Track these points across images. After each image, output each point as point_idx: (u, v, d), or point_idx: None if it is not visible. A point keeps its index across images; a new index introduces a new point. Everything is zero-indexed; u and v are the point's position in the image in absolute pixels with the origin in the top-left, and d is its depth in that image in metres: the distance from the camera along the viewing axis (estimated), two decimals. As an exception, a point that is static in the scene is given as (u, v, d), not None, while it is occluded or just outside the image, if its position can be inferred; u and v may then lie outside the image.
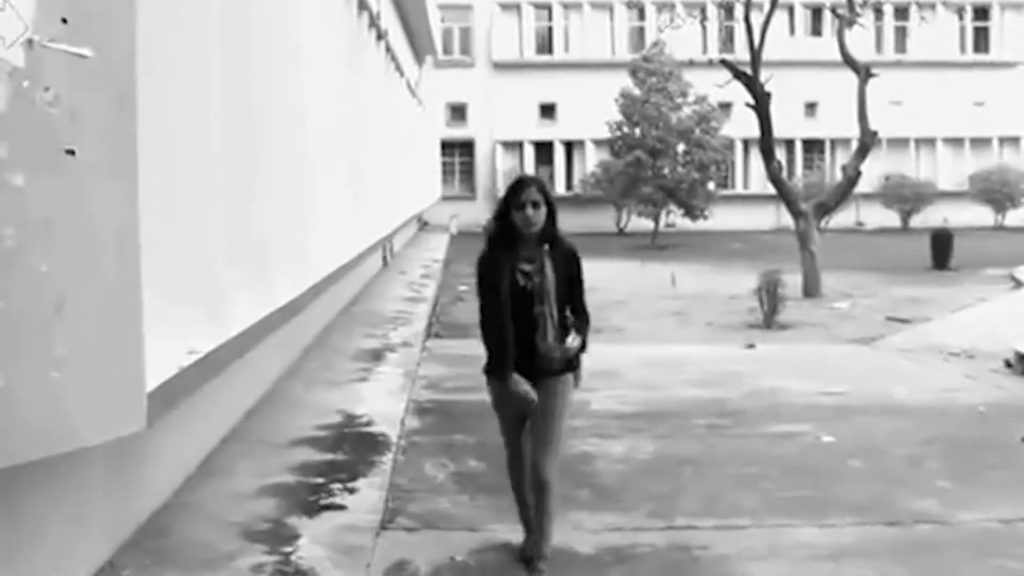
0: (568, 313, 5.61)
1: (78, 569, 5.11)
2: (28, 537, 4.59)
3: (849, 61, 22.52)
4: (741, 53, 25.74)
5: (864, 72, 22.17)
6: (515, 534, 6.14)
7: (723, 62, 22.97)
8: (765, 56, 22.05)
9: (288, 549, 5.74)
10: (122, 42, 4.02)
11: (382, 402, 9.35)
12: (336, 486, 6.90)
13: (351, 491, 6.82)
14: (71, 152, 3.69)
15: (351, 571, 5.54)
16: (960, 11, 47.84)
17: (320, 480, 7.01)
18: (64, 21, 3.62)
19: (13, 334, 3.51)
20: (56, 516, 4.89)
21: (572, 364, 5.67)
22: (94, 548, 5.36)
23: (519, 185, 5.51)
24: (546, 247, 5.53)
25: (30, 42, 3.47)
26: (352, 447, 7.84)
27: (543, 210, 5.45)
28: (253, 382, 8.95)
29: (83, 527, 5.24)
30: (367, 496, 6.75)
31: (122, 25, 4.04)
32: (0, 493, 4.24)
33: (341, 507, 6.52)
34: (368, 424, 8.57)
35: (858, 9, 23.59)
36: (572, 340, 5.52)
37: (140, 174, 4.15)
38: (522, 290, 5.45)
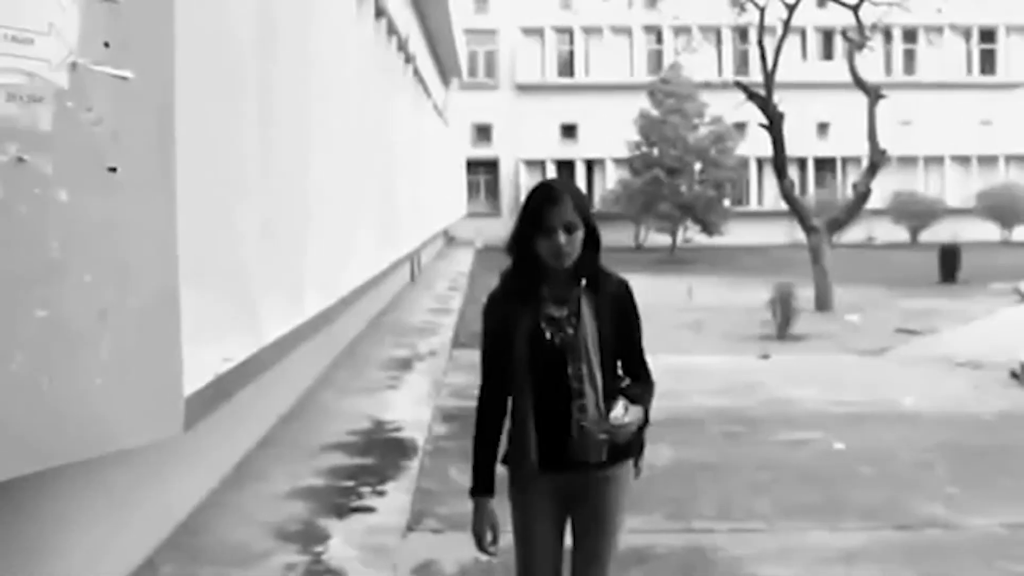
0: (621, 374, 3.85)
1: (119, 564, 5.31)
2: (71, 533, 4.78)
3: (859, 83, 22.68)
4: (755, 75, 25.89)
5: (874, 93, 22.35)
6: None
7: (738, 84, 23.18)
8: (778, 78, 22.23)
9: (319, 549, 5.92)
10: (162, 65, 4.06)
11: (410, 409, 9.58)
12: (365, 489, 7.09)
13: (380, 494, 7.01)
14: (113, 169, 3.73)
15: (380, 571, 5.70)
16: (967, 34, 48.01)
17: (350, 483, 7.21)
18: (106, 45, 3.66)
19: (58, 341, 3.55)
20: (98, 513, 5.09)
21: (627, 450, 3.76)
22: (135, 545, 5.55)
23: (545, 197, 3.66)
24: (583, 283, 3.72)
25: (74, 65, 3.52)
26: (381, 452, 8.05)
27: (580, 234, 3.64)
28: (286, 390, 9.17)
29: (124, 525, 5.43)
30: (395, 499, 6.94)
31: (162, 49, 4.08)
32: (44, 491, 4.42)
33: (370, 509, 6.70)
34: (396, 430, 8.78)
35: (868, 33, 23.72)
36: (622, 412, 3.57)
37: (179, 190, 4.19)
38: (551, 346, 3.67)
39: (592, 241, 3.70)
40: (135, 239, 3.92)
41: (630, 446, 3.73)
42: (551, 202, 3.62)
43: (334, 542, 6.06)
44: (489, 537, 3.88)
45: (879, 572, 6.05)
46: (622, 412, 3.57)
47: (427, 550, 6.24)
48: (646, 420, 3.76)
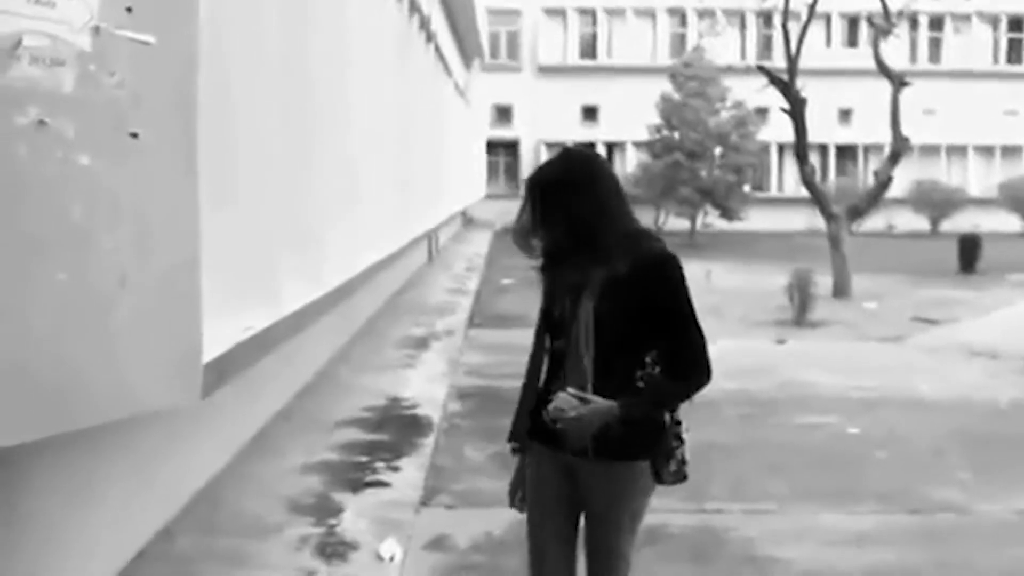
0: (651, 360, 3.48)
1: (137, 532, 5.37)
2: (91, 501, 4.84)
3: (884, 69, 22.56)
4: (779, 61, 25.77)
5: (898, 80, 22.23)
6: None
7: (760, 68, 23.06)
8: (802, 65, 22.10)
9: (333, 522, 5.97)
10: (184, 30, 4.06)
11: (425, 387, 9.60)
12: (380, 464, 7.13)
13: (394, 469, 7.04)
14: (135, 135, 3.74)
15: (393, 544, 5.70)
16: (994, 22, 47.59)
17: (365, 458, 7.25)
18: (128, 10, 3.66)
19: (79, 305, 3.58)
20: (117, 482, 5.14)
21: (627, 449, 3.47)
22: (152, 514, 5.61)
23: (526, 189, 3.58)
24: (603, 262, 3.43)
25: (96, 28, 3.53)
26: (396, 428, 8.09)
27: (561, 227, 3.47)
28: (304, 365, 9.22)
29: (142, 494, 5.48)
30: (409, 475, 6.98)
31: (185, 14, 4.09)
32: (65, 459, 4.46)
33: (385, 484, 6.74)
34: (412, 407, 8.82)
35: (894, 19, 23.60)
36: (563, 403, 3.36)
37: (201, 160, 4.20)
38: (557, 323, 3.56)
39: (572, 222, 3.44)
40: (156, 204, 3.94)
41: (629, 445, 3.45)
42: (527, 198, 3.53)
43: (348, 515, 6.10)
44: (519, 494, 3.77)
45: (891, 555, 6.05)
46: (562, 403, 3.35)
47: (440, 525, 6.29)
48: (660, 420, 3.50)
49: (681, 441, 3.53)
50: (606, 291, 3.41)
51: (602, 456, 3.44)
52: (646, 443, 3.49)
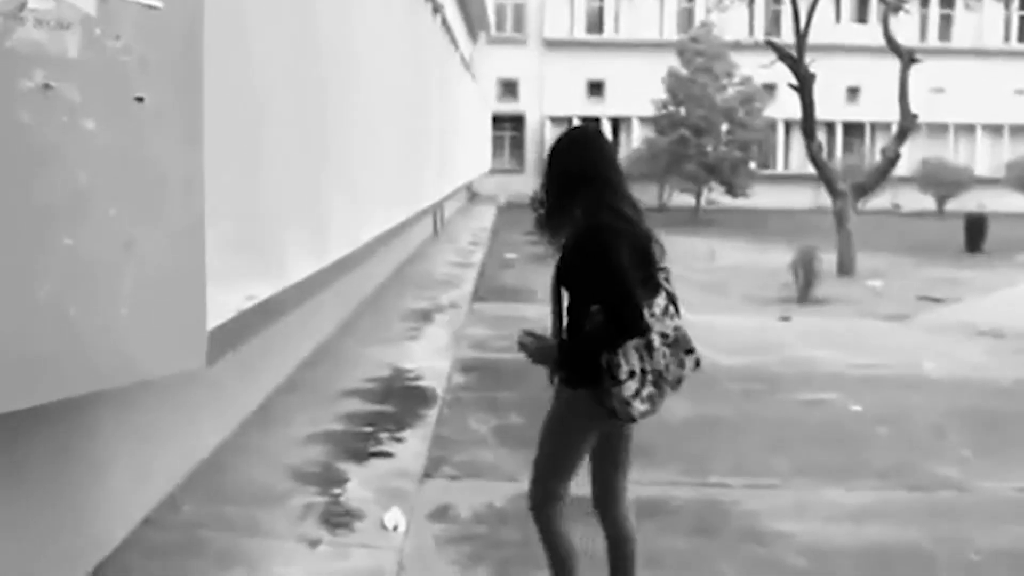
0: (596, 311, 4.03)
1: (143, 499, 5.41)
2: (97, 468, 4.87)
3: (893, 46, 22.51)
4: (787, 37, 25.72)
5: (907, 57, 22.18)
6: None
7: (769, 43, 23.04)
8: (810, 41, 22.07)
9: (337, 491, 6.01)
10: None
11: (430, 359, 9.63)
12: (384, 435, 7.17)
13: (398, 440, 7.08)
14: (140, 99, 3.71)
15: (397, 514, 5.74)
16: (1007, 0, 47.38)
17: (369, 429, 7.29)
18: None
19: (84, 270, 3.57)
20: (123, 450, 5.17)
21: (569, 380, 4.20)
22: (158, 482, 5.65)
23: None
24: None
25: None
26: (400, 400, 8.12)
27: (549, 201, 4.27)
28: (308, 336, 9.25)
29: (148, 462, 5.52)
30: (413, 446, 7.02)
31: None
32: (72, 425, 4.49)
33: (388, 455, 6.78)
34: (416, 379, 8.85)
35: (905, -4, 23.57)
36: (522, 340, 4.28)
37: (207, 127, 4.18)
38: None
39: (551, 200, 4.23)
40: (161, 170, 3.92)
41: (567, 377, 4.19)
42: None
43: (352, 485, 6.14)
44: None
45: (891, 530, 6.09)
46: (521, 339, 4.25)
47: (444, 495, 6.33)
48: (563, 355, 4.17)
49: (618, 382, 3.98)
50: (562, 256, 4.15)
51: (560, 382, 4.25)
52: (578, 377, 4.10)
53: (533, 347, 4.21)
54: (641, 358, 4.00)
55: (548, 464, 4.35)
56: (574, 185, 4.11)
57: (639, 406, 4.02)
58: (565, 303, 4.18)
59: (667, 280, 4.22)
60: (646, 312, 3.99)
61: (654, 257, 4.17)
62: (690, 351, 4.15)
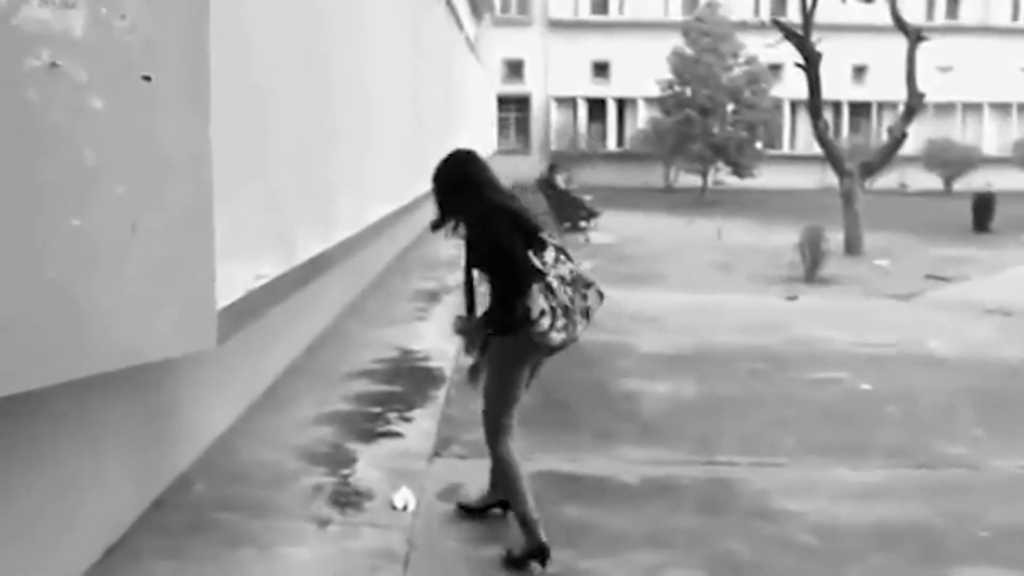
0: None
1: (155, 479, 5.43)
2: (110, 448, 4.88)
3: (900, 24, 22.42)
4: (793, 17, 25.61)
5: (914, 35, 22.09)
6: (559, 463, 6.47)
7: (775, 22, 22.97)
8: (816, 20, 21.99)
9: (347, 471, 6.02)
10: None
11: (437, 340, 9.62)
12: (392, 415, 7.17)
13: (407, 420, 7.10)
14: (147, 78, 3.72)
15: (407, 493, 5.74)
16: (1016, -24, 47.21)
17: (378, 410, 7.29)
18: None
19: (91, 252, 3.58)
20: (136, 430, 5.20)
21: (503, 327, 5.04)
22: (170, 462, 5.67)
23: None
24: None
25: None
26: (408, 380, 8.12)
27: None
28: (316, 318, 9.24)
29: (160, 442, 5.55)
30: (421, 425, 7.03)
31: None
32: (83, 406, 4.48)
33: (397, 435, 6.79)
34: (424, 360, 8.85)
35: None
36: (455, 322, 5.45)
37: (214, 107, 4.19)
38: None
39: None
40: (169, 150, 3.93)
41: (495, 329, 5.04)
42: None
43: (361, 465, 6.15)
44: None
45: (900, 508, 6.08)
46: (453, 322, 5.44)
47: (452, 474, 6.33)
48: (491, 317, 5.01)
49: (533, 321, 4.86)
50: (467, 240, 5.22)
51: (494, 334, 5.09)
52: (505, 327, 4.96)
53: (465, 325, 5.27)
54: (547, 298, 4.87)
55: (497, 401, 5.15)
56: (458, 187, 5.17)
57: (555, 336, 4.90)
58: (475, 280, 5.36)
59: (552, 237, 5.12)
60: (537, 261, 4.91)
61: (533, 224, 5.07)
62: (588, 285, 5.05)
